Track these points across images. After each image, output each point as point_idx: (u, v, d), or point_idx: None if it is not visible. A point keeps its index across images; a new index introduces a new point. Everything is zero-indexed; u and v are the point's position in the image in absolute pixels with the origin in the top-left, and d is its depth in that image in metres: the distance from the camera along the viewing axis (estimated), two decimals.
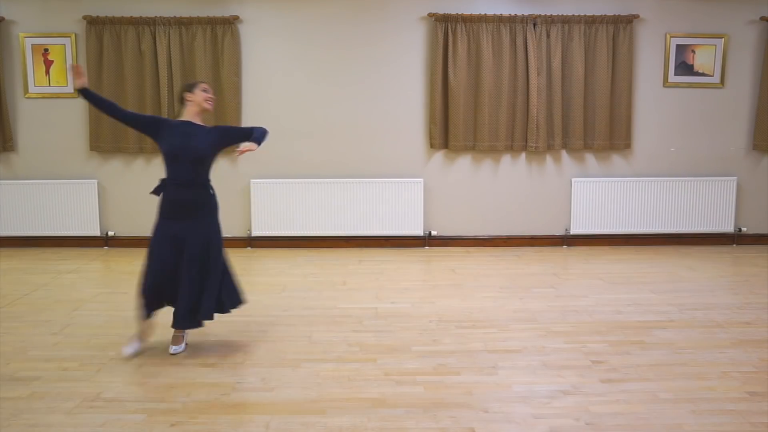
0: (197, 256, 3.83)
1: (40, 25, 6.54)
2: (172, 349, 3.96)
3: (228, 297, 4.00)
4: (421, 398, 3.37)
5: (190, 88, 4.01)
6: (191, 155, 3.82)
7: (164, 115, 6.44)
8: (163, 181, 3.89)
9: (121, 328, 4.41)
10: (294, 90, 6.66)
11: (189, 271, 3.82)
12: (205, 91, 4.00)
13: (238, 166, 6.69)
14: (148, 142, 6.56)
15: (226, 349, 4.04)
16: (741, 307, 4.83)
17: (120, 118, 3.90)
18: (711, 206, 6.81)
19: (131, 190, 6.75)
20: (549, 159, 6.82)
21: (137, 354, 3.93)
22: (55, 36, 6.53)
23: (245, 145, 3.87)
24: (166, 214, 3.87)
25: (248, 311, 4.78)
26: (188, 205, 3.86)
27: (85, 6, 6.48)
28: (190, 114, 3.96)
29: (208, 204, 3.94)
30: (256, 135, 3.94)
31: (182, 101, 4.00)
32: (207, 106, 3.99)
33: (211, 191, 3.95)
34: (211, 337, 4.24)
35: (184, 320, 3.87)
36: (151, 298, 3.92)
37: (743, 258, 6.44)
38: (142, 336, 4.03)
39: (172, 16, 6.45)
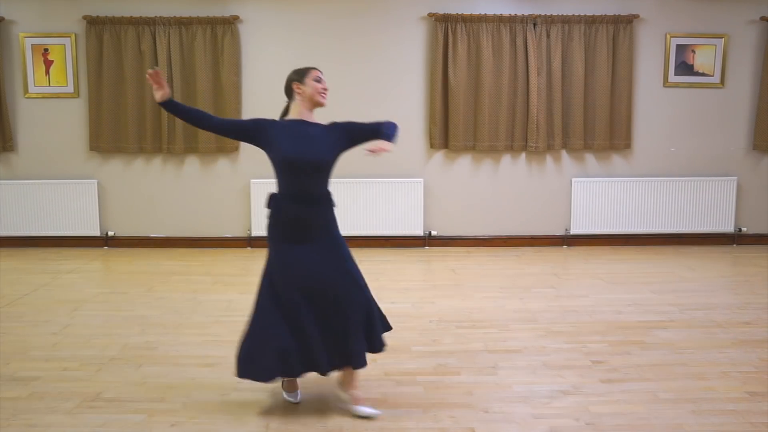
0: (330, 286, 3.15)
1: (40, 25, 6.54)
2: (286, 395, 3.37)
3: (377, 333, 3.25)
4: (421, 398, 3.37)
5: (299, 76, 3.20)
6: (312, 163, 3.12)
7: (163, 114, 6.45)
8: (274, 195, 3.20)
9: (121, 328, 4.41)
10: None
11: (322, 308, 3.13)
12: (317, 80, 3.19)
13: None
14: (148, 142, 6.57)
15: (226, 349, 4.04)
16: (741, 307, 4.83)
17: (212, 128, 3.21)
18: (711, 206, 6.81)
19: (131, 190, 6.75)
20: (549, 159, 6.81)
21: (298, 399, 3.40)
22: (55, 36, 6.53)
23: (379, 145, 3.10)
24: (284, 236, 3.17)
25: (248, 311, 4.77)
26: (310, 224, 3.17)
27: (85, 6, 6.48)
28: (299, 110, 3.20)
29: (333, 220, 3.26)
30: (388, 132, 3.18)
31: (290, 93, 3.23)
32: (320, 99, 3.21)
33: (333, 204, 3.26)
34: (211, 337, 4.24)
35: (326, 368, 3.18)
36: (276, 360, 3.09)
37: (743, 258, 6.44)
38: (289, 387, 3.39)
39: (172, 16, 6.45)
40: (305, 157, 3.09)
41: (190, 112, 3.20)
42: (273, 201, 3.19)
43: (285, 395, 3.36)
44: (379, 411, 3.19)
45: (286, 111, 3.27)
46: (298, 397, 3.35)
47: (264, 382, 3.15)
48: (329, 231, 3.23)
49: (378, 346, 3.26)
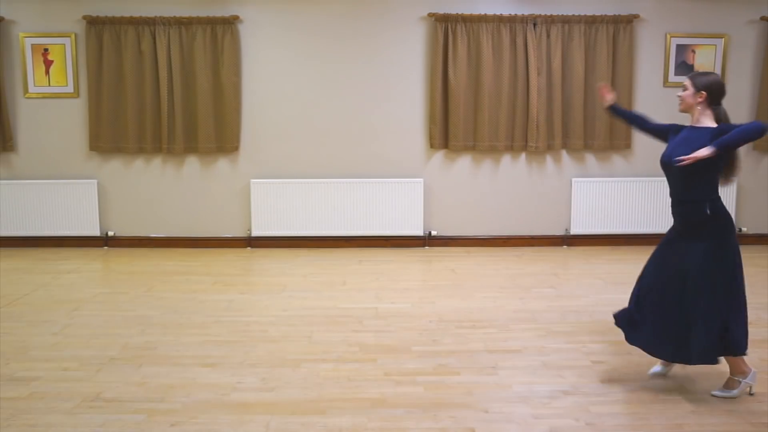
0: (683, 282, 3.36)
1: (40, 25, 6.54)
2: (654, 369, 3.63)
3: (709, 344, 3.30)
4: (421, 398, 3.37)
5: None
6: (666, 164, 3.39)
7: (163, 114, 6.45)
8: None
9: (121, 328, 4.42)
10: (294, 90, 6.66)
11: (678, 295, 3.37)
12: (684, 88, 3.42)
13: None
14: (148, 142, 6.57)
15: (226, 349, 4.04)
16: None
17: (649, 131, 3.66)
18: None
19: (131, 190, 6.75)
20: (549, 159, 6.81)
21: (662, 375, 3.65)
22: (55, 36, 6.53)
23: (695, 154, 3.19)
24: (672, 228, 3.51)
25: (248, 311, 4.79)
26: (683, 223, 3.41)
27: (85, 6, 6.48)
28: (692, 116, 3.42)
29: (707, 224, 3.33)
30: (721, 138, 3.18)
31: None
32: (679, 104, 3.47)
33: (708, 210, 3.31)
34: (211, 337, 4.25)
35: (672, 353, 3.42)
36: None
37: (743, 258, 6.40)
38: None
39: (172, 16, 6.45)
40: (670, 161, 3.34)
41: (633, 116, 3.77)
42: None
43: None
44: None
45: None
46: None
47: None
48: (706, 237, 3.38)
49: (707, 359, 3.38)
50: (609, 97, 3.79)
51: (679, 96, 3.43)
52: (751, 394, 3.43)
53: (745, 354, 3.37)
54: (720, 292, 3.34)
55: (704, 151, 3.16)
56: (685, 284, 3.35)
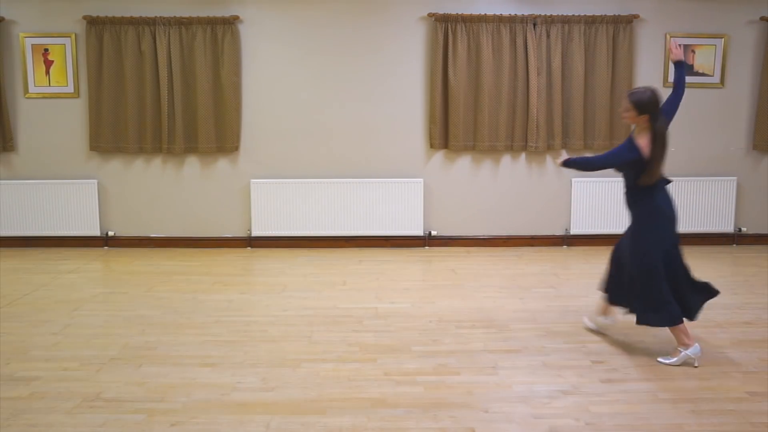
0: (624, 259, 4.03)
1: (40, 25, 6.54)
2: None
3: (642, 310, 3.90)
4: (421, 398, 3.38)
5: None
6: None
7: (163, 114, 6.45)
8: None
9: (121, 328, 4.42)
10: (294, 90, 6.66)
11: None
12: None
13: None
14: (148, 142, 6.57)
15: (226, 349, 4.05)
16: (741, 307, 4.83)
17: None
18: (711, 206, 6.82)
19: (131, 190, 6.76)
20: (549, 159, 6.82)
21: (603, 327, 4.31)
22: (55, 36, 6.53)
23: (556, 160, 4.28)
24: None
25: (248, 311, 4.79)
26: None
27: (85, 6, 6.48)
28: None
29: (632, 211, 3.99)
30: (573, 158, 4.15)
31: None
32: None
33: (632, 199, 3.97)
34: (211, 337, 4.25)
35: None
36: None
37: (743, 258, 6.44)
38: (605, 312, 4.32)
39: (172, 16, 6.45)
40: None
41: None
42: None
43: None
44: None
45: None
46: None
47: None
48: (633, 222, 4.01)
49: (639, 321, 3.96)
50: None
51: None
52: (695, 366, 3.74)
53: (673, 325, 3.80)
54: (638, 269, 3.87)
55: (558, 160, 4.16)
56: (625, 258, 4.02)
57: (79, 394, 3.41)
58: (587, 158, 4.30)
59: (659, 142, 3.83)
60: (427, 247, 6.81)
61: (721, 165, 6.87)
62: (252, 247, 6.80)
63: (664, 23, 6.67)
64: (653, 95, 3.84)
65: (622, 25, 6.56)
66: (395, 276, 5.75)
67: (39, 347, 4.07)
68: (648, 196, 3.90)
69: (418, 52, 6.64)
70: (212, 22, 6.46)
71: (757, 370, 3.70)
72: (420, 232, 6.76)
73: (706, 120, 6.81)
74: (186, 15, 6.46)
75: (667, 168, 6.78)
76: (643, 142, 3.84)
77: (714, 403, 3.32)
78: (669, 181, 3.97)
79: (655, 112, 3.84)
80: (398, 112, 6.71)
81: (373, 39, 6.62)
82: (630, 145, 3.87)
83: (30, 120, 6.66)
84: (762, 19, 6.66)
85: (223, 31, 6.47)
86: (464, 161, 6.78)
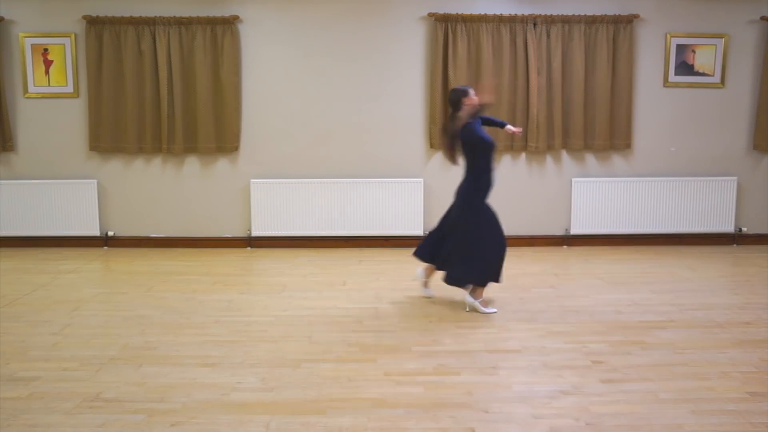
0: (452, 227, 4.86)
1: (39, 25, 6.54)
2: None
3: (452, 270, 4.76)
4: (421, 398, 3.37)
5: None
6: None
7: (163, 114, 6.45)
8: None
9: (121, 328, 4.41)
10: (294, 90, 6.66)
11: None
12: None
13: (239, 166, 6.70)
14: (148, 142, 6.57)
15: (226, 349, 4.04)
16: (741, 307, 4.83)
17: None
18: (711, 206, 6.81)
19: (131, 190, 6.76)
20: (549, 159, 6.81)
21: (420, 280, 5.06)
22: (54, 36, 6.53)
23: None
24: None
25: (248, 311, 4.79)
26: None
27: (84, 6, 6.48)
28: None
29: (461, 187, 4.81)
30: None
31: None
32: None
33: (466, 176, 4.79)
34: (211, 337, 4.25)
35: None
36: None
37: (743, 258, 6.44)
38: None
39: (171, 16, 6.45)
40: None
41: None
42: None
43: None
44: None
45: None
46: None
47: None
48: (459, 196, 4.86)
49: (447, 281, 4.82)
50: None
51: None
52: (466, 311, 4.70)
53: (464, 286, 4.72)
54: (461, 238, 4.73)
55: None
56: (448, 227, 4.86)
57: (78, 394, 3.41)
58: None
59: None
60: None
61: (721, 165, 6.87)
62: (252, 247, 6.80)
63: (665, 23, 6.67)
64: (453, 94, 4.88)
65: (623, 25, 6.56)
66: (395, 276, 5.75)
67: (38, 347, 4.07)
68: (472, 173, 4.85)
69: (418, 52, 6.64)
70: (212, 22, 6.46)
71: (757, 370, 3.69)
72: (420, 232, 6.75)
73: (706, 120, 6.81)
74: (186, 15, 6.46)
75: (668, 168, 6.83)
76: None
77: (714, 403, 3.32)
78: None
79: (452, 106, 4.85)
80: (398, 112, 6.71)
81: (373, 39, 6.62)
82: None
83: (30, 120, 6.65)
84: (762, 19, 6.66)
85: (222, 31, 6.46)
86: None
